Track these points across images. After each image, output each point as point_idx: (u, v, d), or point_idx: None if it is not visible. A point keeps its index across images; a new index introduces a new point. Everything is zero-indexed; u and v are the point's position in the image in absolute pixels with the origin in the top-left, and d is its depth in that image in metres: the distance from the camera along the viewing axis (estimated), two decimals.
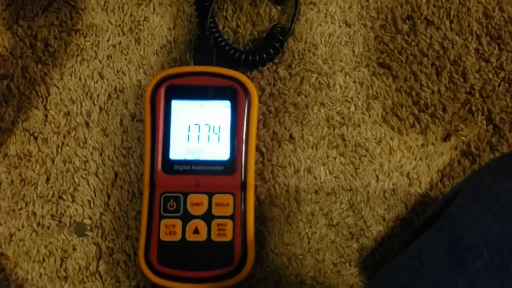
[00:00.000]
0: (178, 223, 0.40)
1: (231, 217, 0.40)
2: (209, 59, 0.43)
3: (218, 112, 0.42)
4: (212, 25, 0.44)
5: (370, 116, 0.45)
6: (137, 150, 0.45)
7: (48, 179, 0.44)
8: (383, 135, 0.45)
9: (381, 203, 0.44)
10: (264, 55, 0.44)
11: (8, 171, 0.45)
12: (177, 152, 0.41)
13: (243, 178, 0.40)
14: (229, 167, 0.41)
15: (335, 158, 0.45)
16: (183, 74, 0.42)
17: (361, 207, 0.44)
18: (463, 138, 0.45)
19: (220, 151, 0.41)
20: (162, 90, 0.41)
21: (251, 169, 0.41)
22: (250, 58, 0.44)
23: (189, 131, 0.41)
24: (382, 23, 0.47)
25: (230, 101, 0.42)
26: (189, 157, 0.41)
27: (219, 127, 0.42)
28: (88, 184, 0.44)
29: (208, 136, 0.41)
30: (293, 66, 0.46)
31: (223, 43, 0.44)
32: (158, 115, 0.41)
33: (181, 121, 0.41)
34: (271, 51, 0.44)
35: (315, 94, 0.46)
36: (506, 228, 0.27)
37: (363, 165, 0.45)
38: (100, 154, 0.45)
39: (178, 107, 0.42)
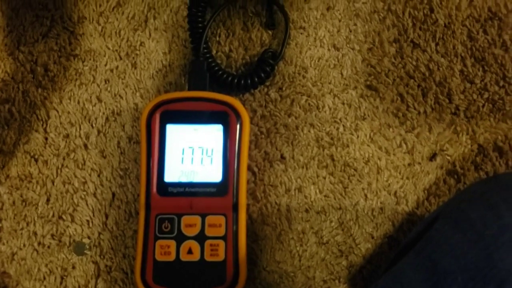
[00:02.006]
0: (173, 243, 0.41)
1: (223, 238, 0.42)
2: (203, 84, 0.45)
3: (211, 135, 0.43)
4: (205, 50, 0.46)
5: (358, 136, 0.47)
6: (133, 171, 0.46)
7: (48, 200, 0.46)
8: (371, 155, 0.47)
9: (370, 221, 0.46)
10: (256, 79, 0.46)
11: (10, 192, 0.46)
12: (171, 174, 0.43)
13: (235, 199, 0.42)
14: (222, 189, 0.42)
15: (324, 178, 0.46)
16: (177, 100, 0.43)
17: (350, 225, 0.46)
18: (449, 157, 0.47)
19: (213, 173, 0.43)
20: (157, 115, 0.43)
21: (243, 191, 0.42)
22: (243, 82, 0.46)
23: (183, 154, 0.43)
24: (369, 46, 0.48)
25: (223, 124, 0.43)
26: (183, 179, 0.43)
27: (212, 150, 0.43)
28: (87, 204, 0.46)
29: (202, 158, 0.43)
30: (284, 88, 0.48)
31: (216, 68, 0.46)
32: (153, 139, 0.43)
33: (176, 144, 0.43)
34: (262, 75, 0.46)
35: (305, 116, 0.47)
36: (480, 255, 0.29)
37: (352, 184, 0.46)
38: (98, 175, 0.47)
39: (173, 131, 0.43)
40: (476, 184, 0.38)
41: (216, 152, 0.43)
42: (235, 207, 0.42)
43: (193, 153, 0.43)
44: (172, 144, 0.43)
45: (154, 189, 0.42)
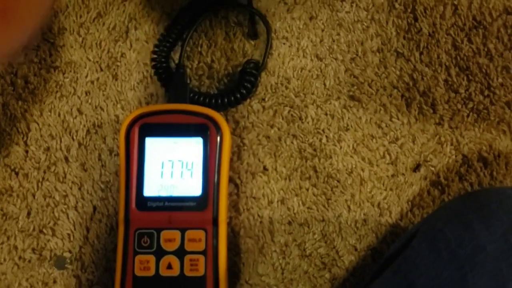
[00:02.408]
0: (152, 258, 0.41)
1: (203, 253, 0.41)
2: (183, 96, 0.44)
3: (191, 148, 0.43)
4: (182, 70, 0.46)
5: (341, 147, 0.46)
6: (115, 184, 0.46)
7: (29, 214, 0.46)
8: (354, 166, 0.46)
9: (353, 233, 0.45)
10: (238, 95, 0.46)
11: None
12: (150, 188, 0.42)
13: (215, 213, 0.42)
14: (201, 203, 0.42)
15: (307, 189, 0.46)
16: (156, 112, 0.43)
17: (333, 237, 0.45)
18: (432, 168, 0.46)
19: (193, 187, 0.42)
20: (136, 128, 0.43)
21: (223, 205, 0.42)
22: (226, 99, 0.45)
23: (162, 167, 0.43)
24: (352, 56, 0.48)
25: (202, 137, 0.43)
26: (163, 193, 0.42)
27: (192, 163, 0.43)
28: (67, 218, 0.46)
29: (181, 172, 0.43)
30: (266, 99, 0.47)
31: (196, 96, 0.46)
32: (132, 153, 0.42)
33: (155, 158, 0.43)
34: (244, 91, 0.46)
35: (288, 127, 0.47)
36: (454, 275, 0.28)
37: (335, 196, 0.46)
38: (79, 189, 0.46)
39: (152, 144, 0.43)
40: (454, 201, 0.38)
41: (196, 166, 0.43)
42: (215, 221, 0.42)
43: (173, 166, 0.43)
44: (152, 157, 0.43)
45: (133, 203, 0.42)
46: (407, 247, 0.35)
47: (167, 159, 0.43)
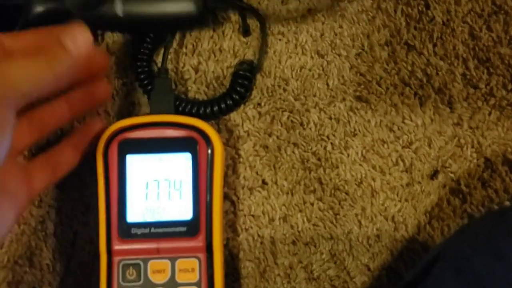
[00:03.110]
0: None
1: (197, 284, 0.36)
2: (167, 106, 0.39)
3: (179, 165, 0.38)
4: (164, 75, 0.40)
5: (348, 155, 0.41)
6: (97, 206, 0.41)
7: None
8: (364, 175, 0.41)
9: (365, 251, 0.41)
10: (231, 102, 0.40)
11: None
12: (134, 213, 0.37)
13: (208, 239, 0.37)
14: (193, 227, 0.37)
15: (312, 204, 0.41)
16: (137, 126, 0.38)
17: (343, 256, 0.40)
18: (452, 174, 0.41)
19: (182, 209, 0.37)
20: (114, 145, 0.38)
21: (217, 229, 0.37)
22: (217, 107, 0.40)
23: (147, 188, 0.38)
24: (358, 51, 0.42)
25: (191, 152, 0.38)
26: (148, 218, 0.37)
27: (180, 182, 0.38)
28: (46, 246, 0.41)
29: (169, 192, 0.38)
30: (262, 104, 0.42)
31: (183, 104, 0.41)
32: (112, 173, 0.37)
33: (138, 177, 0.38)
34: (237, 97, 0.41)
35: (288, 134, 0.42)
36: None
37: (343, 210, 0.41)
38: (57, 213, 0.41)
39: (134, 162, 0.38)
40: (481, 222, 0.33)
41: (185, 185, 0.38)
42: (209, 248, 0.37)
43: (159, 186, 0.38)
44: (134, 177, 0.38)
45: (115, 231, 0.37)
46: (427, 275, 0.30)
47: (152, 179, 0.38)
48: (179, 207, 0.37)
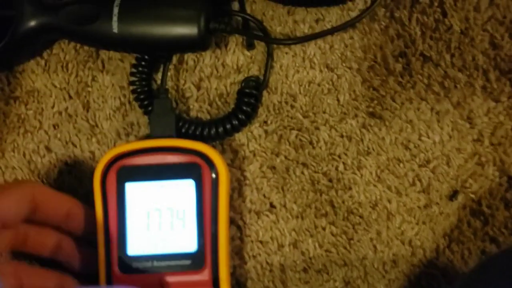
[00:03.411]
0: None
1: None
2: (168, 128, 0.37)
3: (181, 193, 0.35)
4: (164, 96, 0.38)
5: (362, 176, 0.39)
6: (95, 238, 0.39)
7: None
8: (378, 197, 0.39)
9: (381, 277, 0.38)
10: (236, 122, 0.38)
11: None
12: (135, 246, 0.35)
13: (214, 273, 0.34)
14: (197, 260, 0.35)
15: (324, 229, 0.39)
16: (136, 152, 0.36)
17: (358, 284, 0.38)
18: (472, 195, 0.38)
19: (186, 241, 0.35)
20: (112, 173, 0.35)
21: (224, 261, 0.35)
22: (222, 128, 0.38)
23: (148, 218, 0.35)
24: (370, 63, 0.40)
25: (194, 179, 0.35)
26: (150, 250, 0.35)
27: (184, 211, 0.35)
28: None
29: (171, 222, 0.35)
30: (269, 122, 0.40)
31: (185, 125, 0.38)
32: (110, 203, 0.35)
33: (138, 207, 0.35)
34: (243, 117, 0.38)
35: (296, 154, 0.39)
36: None
37: (357, 235, 0.38)
38: None
39: (134, 190, 0.35)
40: (505, 257, 0.30)
41: (189, 214, 0.35)
42: (215, 283, 0.34)
43: (161, 216, 0.35)
44: (134, 206, 0.35)
45: (115, 266, 0.35)
46: None
47: (153, 208, 0.35)
48: (183, 238, 0.35)
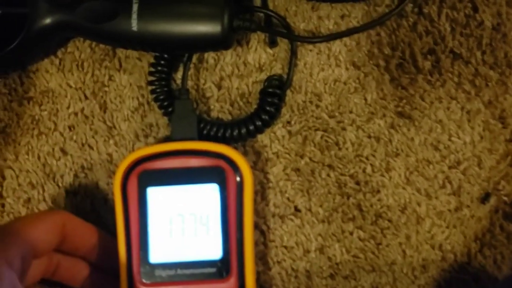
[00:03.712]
0: None
1: None
2: (190, 130, 0.35)
3: (205, 198, 0.34)
4: (185, 97, 0.36)
5: (391, 178, 0.37)
6: (116, 246, 0.37)
7: None
8: (408, 200, 0.37)
9: (410, 283, 0.37)
10: (260, 123, 0.36)
11: None
12: (158, 253, 0.34)
13: (240, 281, 0.33)
14: (223, 268, 0.33)
15: (352, 233, 0.37)
16: (157, 155, 0.34)
17: None
18: (505, 197, 0.37)
19: (211, 247, 0.34)
20: (134, 178, 0.34)
21: (250, 268, 0.33)
22: (245, 130, 0.36)
23: (170, 224, 0.34)
24: (398, 61, 0.38)
25: (218, 183, 0.34)
26: (174, 258, 0.34)
27: (207, 217, 0.34)
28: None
29: (195, 228, 0.34)
30: (293, 122, 0.38)
31: (207, 126, 0.37)
32: (131, 208, 0.34)
33: (161, 212, 0.34)
34: (267, 117, 0.36)
35: (322, 156, 0.38)
36: None
37: (386, 240, 0.37)
38: None
39: (156, 195, 0.34)
40: None
41: (213, 219, 0.34)
42: None
43: (184, 222, 0.34)
44: (156, 212, 0.34)
45: (137, 274, 0.33)
46: None
47: (175, 213, 0.34)
48: (207, 245, 0.34)
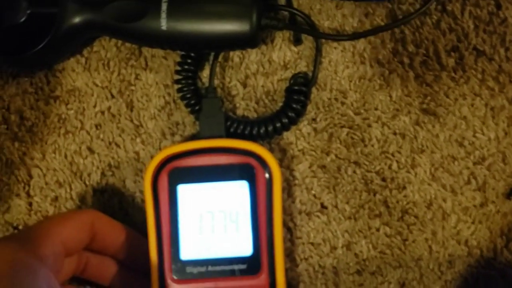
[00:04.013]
0: None
1: None
2: (218, 128, 0.36)
3: (234, 195, 0.34)
4: (213, 95, 0.36)
5: (416, 174, 0.38)
6: (146, 243, 0.37)
7: None
8: (433, 196, 0.38)
9: (437, 279, 0.37)
10: (286, 120, 0.37)
11: None
12: (188, 250, 0.34)
13: (271, 277, 0.33)
14: (253, 264, 0.33)
15: (378, 230, 0.37)
16: (187, 153, 0.34)
17: (413, 285, 0.37)
18: None
19: (241, 244, 0.34)
20: (164, 175, 0.34)
21: (280, 264, 0.33)
22: (272, 127, 0.36)
23: (201, 221, 0.34)
24: (422, 58, 0.38)
25: (248, 180, 0.34)
26: (204, 254, 0.34)
27: (237, 214, 0.34)
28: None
29: (224, 225, 0.34)
30: (318, 120, 0.38)
31: (234, 124, 0.37)
32: (162, 206, 0.34)
33: (191, 209, 0.34)
34: (293, 115, 0.37)
35: (348, 153, 0.38)
36: None
37: (412, 236, 0.37)
38: None
39: (186, 193, 0.34)
40: None
41: (243, 216, 0.34)
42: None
43: (213, 219, 0.34)
44: (187, 209, 0.34)
45: (169, 271, 0.33)
46: None
47: (205, 210, 0.34)
48: (237, 242, 0.34)
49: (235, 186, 0.34)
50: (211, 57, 0.38)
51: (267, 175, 0.34)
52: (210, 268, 0.34)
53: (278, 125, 0.37)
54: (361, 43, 0.39)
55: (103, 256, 0.35)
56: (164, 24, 0.34)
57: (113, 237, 0.35)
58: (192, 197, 0.34)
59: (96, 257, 0.35)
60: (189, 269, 0.34)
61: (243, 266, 0.33)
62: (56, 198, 0.38)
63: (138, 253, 0.35)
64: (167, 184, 0.34)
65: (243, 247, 0.34)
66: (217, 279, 0.33)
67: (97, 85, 0.39)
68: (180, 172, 0.34)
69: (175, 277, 0.33)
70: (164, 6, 0.34)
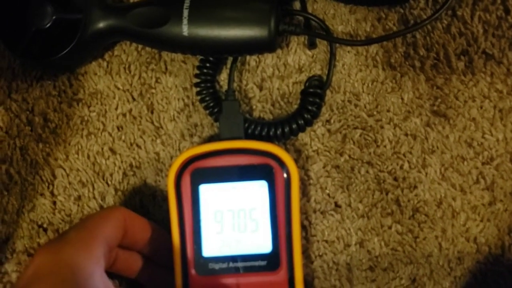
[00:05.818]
0: None
1: None
2: (237, 130, 0.37)
3: (254, 194, 0.36)
4: (232, 98, 0.38)
5: (427, 174, 0.39)
6: (170, 241, 0.39)
7: None
8: (443, 195, 0.39)
9: (446, 275, 0.39)
10: (302, 122, 0.38)
11: (18, 270, 0.39)
12: (210, 247, 0.35)
13: (290, 273, 0.35)
14: (273, 261, 0.35)
15: (390, 227, 0.39)
16: (208, 154, 0.36)
17: (424, 281, 0.38)
18: None
19: (260, 241, 0.35)
20: (187, 175, 0.35)
21: (299, 261, 0.35)
22: (288, 128, 0.38)
23: (222, 219, 0.36)
24: (433, 62, 0.40)
25: (267, 180, 0.36)
26: (225, 251, 0.35)
27: (257, 212, 0.35)
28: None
29: (245, 223, 0.36)
30: (332, 121, 0.40)
31: (252, 126, 0.38)
32: (185, 205, 0.35)
33: (212, 208, 0.36)
34: (309, 116, 0.38)
35: (361, 153, 0.39)
36: None
37: (423, 233, 0.39)
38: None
39: (208, 192, 0.36)
40: None
41: (262, 215, 0.35)
42: (291, 283, 0.35)
43: (234, 217, 0.36)
44: (208, 208, 0.36)
45: (192, 267, 0.35)
46: None
47: (226, 209, 0.36)
48: (257, 239, 0.35)
49: (255, 186, 0.36)
50: (229, 61, 0.39)
51: (285, 175, 0.36)
52: (231, 264, 0.35)
53: (294, 126, 0.38)
54: (373, 47, 0.40)
55: (130, 251, 0.36)
56: (185, 30, 0.35)
57: (141, 233, 0.36)
58: (213, 196, 0.36)
59: (124, 252, 0.36)
60: (211, 265, 0.35)
61: (263, 263, 0.35)
62: (79, 197, 0.40)
63: (163, 249, 0.36)
64: (189, 184, 0.35)
65: (263, 244, 0.35)
66: (238, 275, 0.35)
67: (118, 88, 0.40)
68: (202, 172, 0.35)
69: (197, 273, 0.35)
70: (185, 13, 0.35)
